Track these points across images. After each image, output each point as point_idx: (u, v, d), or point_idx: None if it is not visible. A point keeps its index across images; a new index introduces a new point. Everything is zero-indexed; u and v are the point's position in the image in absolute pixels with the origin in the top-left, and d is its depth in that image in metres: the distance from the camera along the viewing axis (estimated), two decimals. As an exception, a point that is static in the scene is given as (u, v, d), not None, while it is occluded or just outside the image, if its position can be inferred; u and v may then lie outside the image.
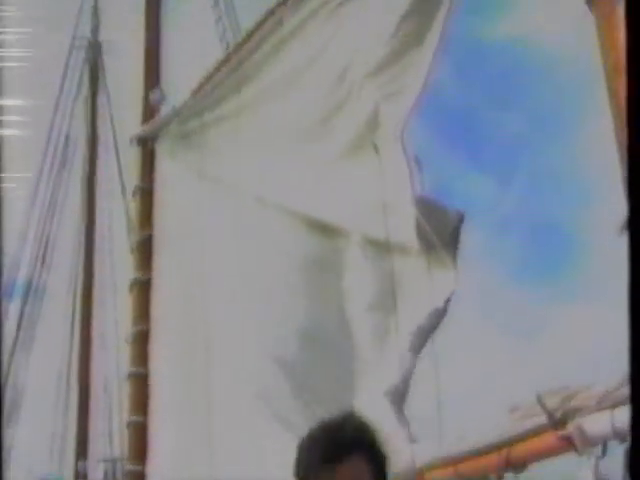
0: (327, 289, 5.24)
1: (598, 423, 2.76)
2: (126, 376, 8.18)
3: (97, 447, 20.44)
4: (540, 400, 2.96)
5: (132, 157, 8.47)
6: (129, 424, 7.84)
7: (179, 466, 6.79)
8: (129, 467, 7.88)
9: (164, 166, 7.58)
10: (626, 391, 2.44)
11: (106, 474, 18.41)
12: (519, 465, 3.21)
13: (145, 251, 7.83)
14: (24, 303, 21.13)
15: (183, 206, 7.28)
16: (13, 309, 20.60)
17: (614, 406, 2.68)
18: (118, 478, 15.14)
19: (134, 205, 8.54)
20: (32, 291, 20.74)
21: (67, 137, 21.94)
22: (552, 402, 2.93)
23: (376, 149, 4.71)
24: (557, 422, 2.92)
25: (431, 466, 3.60)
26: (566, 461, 3.11)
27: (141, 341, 7.65)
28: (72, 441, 20.83)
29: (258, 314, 5.85)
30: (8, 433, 19.64)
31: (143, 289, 7.72)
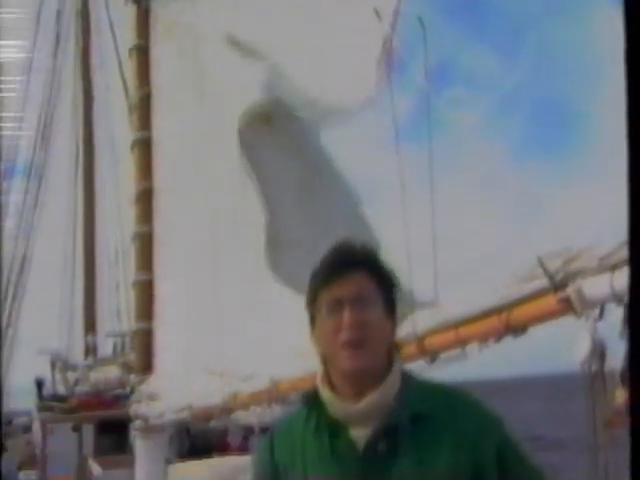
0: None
1: (597, 285, 2.76)
2: (131, 236, 8.23)
3: (105, 322, 20.91)
4: (541, 262, 2.96)
5: (127, 18, 8.30)
6: (135, 283, 7.92)
7: (186, 325, 6.87)
8: (136, 326, 8.01)
9: (159, 24, 7.37)
10: (626, 253, 2.44)
11: (115, 347, 18.89)
12: (519, 328, 3.25)
13: (144, 110, 7.73)
14: (27, 183, 21.13)
15: (181, 62, 7.11)
16: (15, 188, 20.65)
17: (614, 268, 2.68)
18: (127, 352, 15.51)
19: (130, 65, 8.39)
20: (33, 168, 20.73)
21: (59, 12, 21.47)
22: (553, 265, 2.94)
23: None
24: (557, 285, 2.93)
25: (431, 331, 3.65)
26: (565, 324, 3.15)
27: (145, 200, 7.65)
28: (80, 317, 21.30)
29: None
30: (14, 311, 20.05)
31: (144, 148, 7.66)
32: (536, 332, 3.28)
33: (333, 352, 1.79)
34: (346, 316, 1.74)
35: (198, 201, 6.77)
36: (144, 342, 8.12)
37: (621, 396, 2.36)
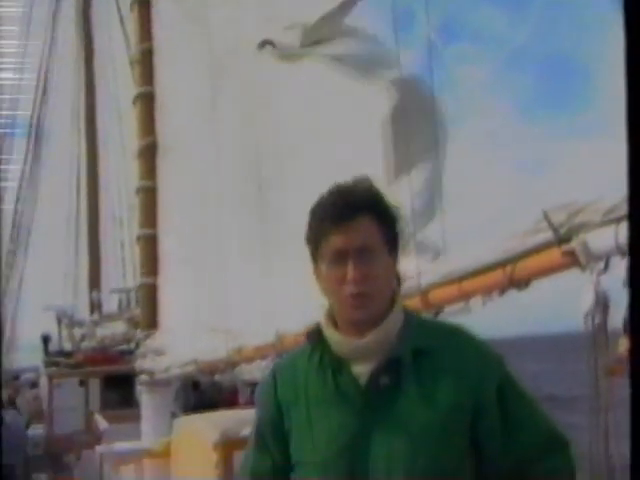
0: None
1: (602, 238, 2.76)
2: (135, 190, 8.22)
3: (110, 279, 20.99)
4: (546, 216, 2.95)
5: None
6: (139, 238, 7.92)
7: (191, 281, 6.88)
8: (142, 280, 8.03)
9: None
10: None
11: (120, 303, 18.99)
12: (522, 282, 3.26)
13: (146, 64, 7.68)
14: (28, 139, 21.05)
15: (182, 17, 7.04)
16: (18, 146, 20.57)
17: (618, 221, 2.68)
18: (133, 307, 15.60)
19: (132, 18, 8.31)
20: (34, 125, 20.62)
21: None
22: (558, 218, 2.93)
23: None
24: (562, 238, 2.93)
25: (435, 285, 3.66)
26: (569, 277, 3.15)
27: (148, 155, 7.63)
28: (85, 274, 21.39)
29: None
30: (18, 268, 20.11)
31: (146, 102, 7.62)
32: (540, 288, 3.29)
33: (337, 300, 1.78)
34: (350, 270, 1.71)
35: (201, 156, 6.75)
36: (149, 297, 8.17)
37: (623, 345, 2.37)
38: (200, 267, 6.83)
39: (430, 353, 1.76)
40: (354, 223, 1.74)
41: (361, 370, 1.78)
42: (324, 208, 1.78)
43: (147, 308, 8.28)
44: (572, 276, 2.96)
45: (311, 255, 1.84)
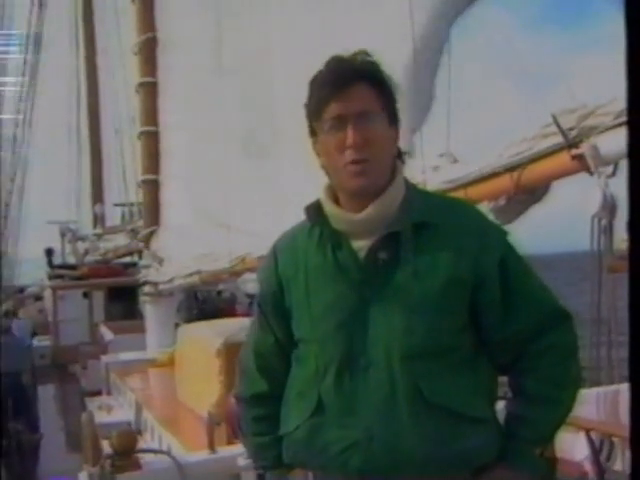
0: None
1: (613, 141, 2.72)
2: (135, 88, 8.12)
3: (113, 193, 20.98)
4: (555, 119, 2.90)
5: None
6: (140, 134, 7.86)
7: (192, 178, 6.84)
8: (144, 177, 7.99)
9: None
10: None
11: (123, 216, 19.06)
12: (529, 187, 3.23)
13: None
14: (25, 52, 20.68)
15: None
16: (14, 60, 20.24)
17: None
18: (135, 219, 15.61)
19: None
20: (31, 37, 20.24)
21: None
22: (568, 121, 2.88)
23: None
24: (571, 142, 2.89)
25: (440, 192, 3.62)
26: (576, 182, 3.12)
27: (148, 50, 7.51)
28: (87, 187, 21.36)
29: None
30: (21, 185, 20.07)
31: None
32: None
33: (337, 169, 1.75)
34: (349, 135, 1.68)
35: (202, 52, 6.59)
36: (151, 193, 8.14)
37: (624, 244, 2.37)
38: (202, 163, 6.76)
39: (431, 227, 1.73)
40: (353, 89, 1.71)
41: (361, 245, 1.76)
42: (323, 77, 1.75)
43: (149, 204, 8.27)
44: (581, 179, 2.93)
45: (309, 128, 1.81)
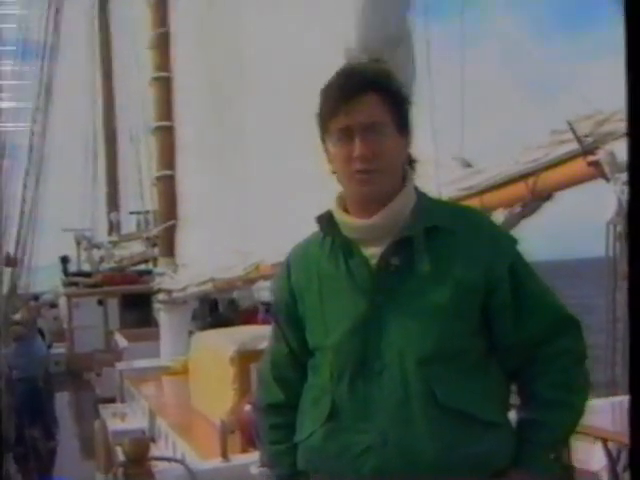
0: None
1: (629, 148, 2.69)
2: (148, 82, 8.11)
3: (128, 200, 21.03)
4: (571, 126, 2.88)
5: None
6: (155, 129, 7.86)
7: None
8: (159, 173, 7.98)
9: None
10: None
11: (139, 224, 19.08)
12: (545, 194, 3.21)
13: None
14: (41, 61, 20.76)
15: None
16: (29, 70, 20.33)
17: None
18: (151, 228, 15.66)
19: None
20: (46, 50, 20.30)
21: None
22: (583, 128, 2.86)
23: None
24: (587, 149, 2.87)
25: (455, 199, 3.60)
26: (591, 189, 3.10)
27: (162, 45, 7.52)
28: (103, 195, 21.45)
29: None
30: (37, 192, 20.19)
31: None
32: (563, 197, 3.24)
33: (345, 179, 1.76)
34: (357, 147, 1.68)
35: (215, 43, 6.58)
36: (167, 189, 8.15)
37: None
38: (217, 158, 6.75)
39: (442, 232, 1.74)
40: (361, 100, 1.70)
41: (372, 252, 1.76)
42: (332, 87, 1.76)
43: (165, 200, 8.28)
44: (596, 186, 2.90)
45: (320, 137, 1.82)
